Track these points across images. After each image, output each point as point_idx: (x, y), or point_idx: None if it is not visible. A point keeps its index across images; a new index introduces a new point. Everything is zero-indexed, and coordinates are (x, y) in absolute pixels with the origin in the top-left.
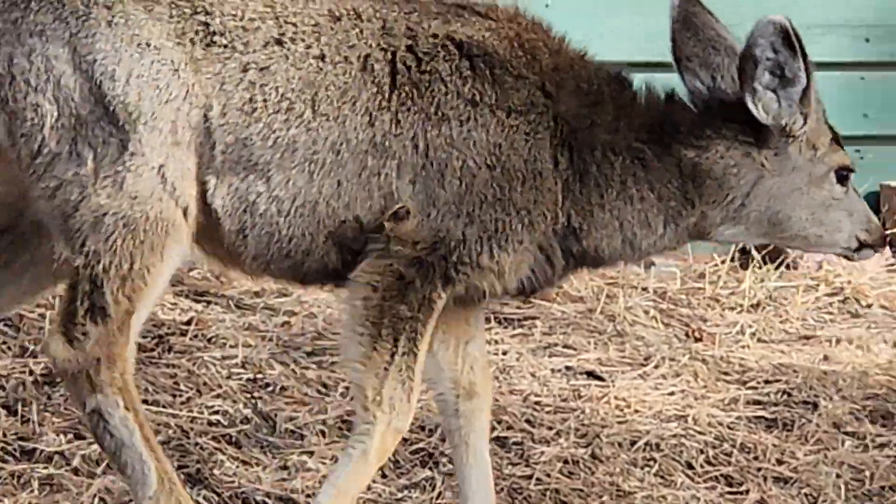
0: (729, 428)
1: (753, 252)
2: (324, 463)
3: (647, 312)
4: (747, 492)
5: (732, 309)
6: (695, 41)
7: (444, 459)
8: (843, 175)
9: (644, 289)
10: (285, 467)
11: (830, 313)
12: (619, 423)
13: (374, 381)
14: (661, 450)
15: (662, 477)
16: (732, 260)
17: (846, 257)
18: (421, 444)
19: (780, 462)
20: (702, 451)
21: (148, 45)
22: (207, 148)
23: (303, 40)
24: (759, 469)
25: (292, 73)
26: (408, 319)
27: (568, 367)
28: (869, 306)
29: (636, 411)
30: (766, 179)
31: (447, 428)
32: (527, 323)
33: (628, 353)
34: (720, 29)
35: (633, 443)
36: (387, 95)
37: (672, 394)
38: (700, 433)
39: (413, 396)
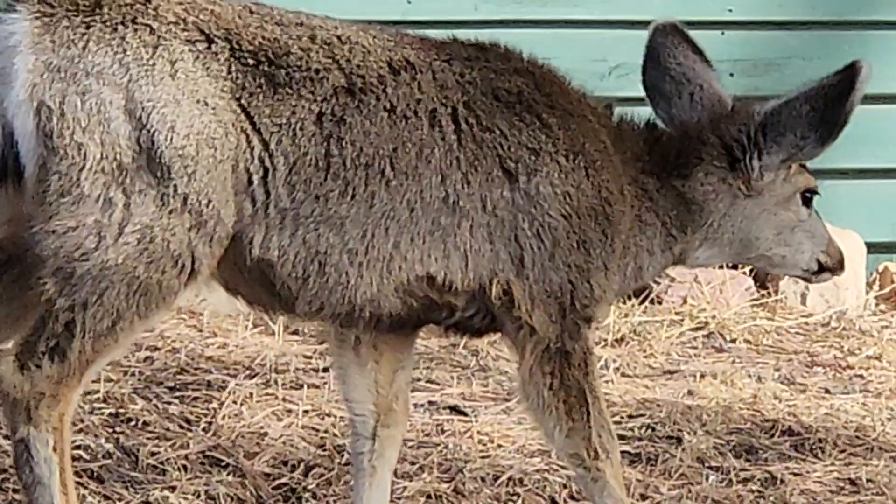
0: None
1: None
2: (186, 498)
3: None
4: None
5: (597, 343)
6: (664, 73)
7: (307, 495)
8: (807, 197)
9: None
10: (147, 502)
11: (695, 348)
12: (483, 457)
13: (584, 443)
14: (524, 484)
15: None
16: None
17: (805, 279)
18: (283, 480)
19: (643, 497)
20: (565, 486)
21: (206, 103)
22: (260, 203)
23: (372, 91)
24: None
25: (367, 126)
26: (582, 377)
27: (431, 402)
28: (733, 341)
29: (499, 446)
30: (740, 201)
31: (357, 450)
32: None
33: (492, 388)
34: (691, 60)
35: (496, 477)
36: (456, 153)
37: (535, 428)
38: (563, 468)
39: (611, 426)
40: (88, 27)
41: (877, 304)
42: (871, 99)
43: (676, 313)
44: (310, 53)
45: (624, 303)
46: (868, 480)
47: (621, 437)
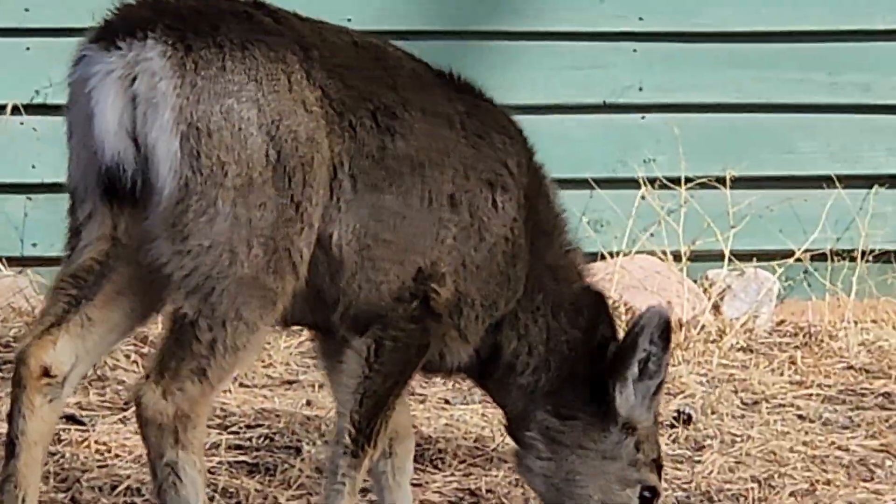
0: (210, 473)
1: None
2: None
3: (127, 357)
4: None
5: None
6: None
7: None
8: (646, 497)
9: None
10: None
11: (313, 358)
12: (100, 467)
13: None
14: (141, 494)
15: None
16: None
17: None
18: None
19: None
20: None
21: (311, 111)
22: (333, 198)
23: (409, 92)
24: None
25: (409, 122)
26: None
27: None
28: None
29: (117, 455)
30: (589, 453)
31: (379, 469)
32: None
33: (109, 398)
34: None
35: (113, 487)
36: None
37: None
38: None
39: None
40: (221, 47)
41: None
42: None
43: (296, 324)
44: (364, 59)
45: None
46: (488, 491)
47: (239, 448)
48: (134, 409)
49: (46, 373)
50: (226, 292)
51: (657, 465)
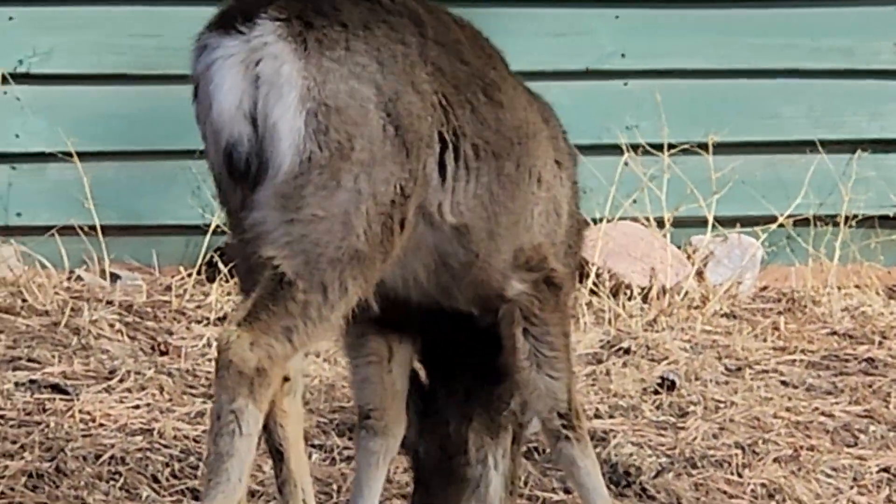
0: (195, 441)
1: (220, 265)
2: None
3: (112, 326)
4: None
5: (199, 322)
6: None
7: None
8: None
9: (109, 302)
10: None
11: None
12: (84, 436)
13: None
14: (126, 463)
15: (128, 490)
16: (199, 273)
17: None
18: None
19: None
20: (167, 465)
21: (420, 91)
22: (450, 166)
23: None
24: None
25: (511, 95)
26: None
27: (32, 381)
28: None
29: (101, 425)
30: None
31: (371, 448)
32: None
33: (93, 367)
34: None
35: (98, 456)
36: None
37: (138, 407)
38: (166, 447)
39: None
40: (345, 27)
41: None
42: None
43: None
44: (467, 37)
45: (226, 281)
46: None
47: None
48: (217, 349)
49: (285, 378)
50: (335, 262)
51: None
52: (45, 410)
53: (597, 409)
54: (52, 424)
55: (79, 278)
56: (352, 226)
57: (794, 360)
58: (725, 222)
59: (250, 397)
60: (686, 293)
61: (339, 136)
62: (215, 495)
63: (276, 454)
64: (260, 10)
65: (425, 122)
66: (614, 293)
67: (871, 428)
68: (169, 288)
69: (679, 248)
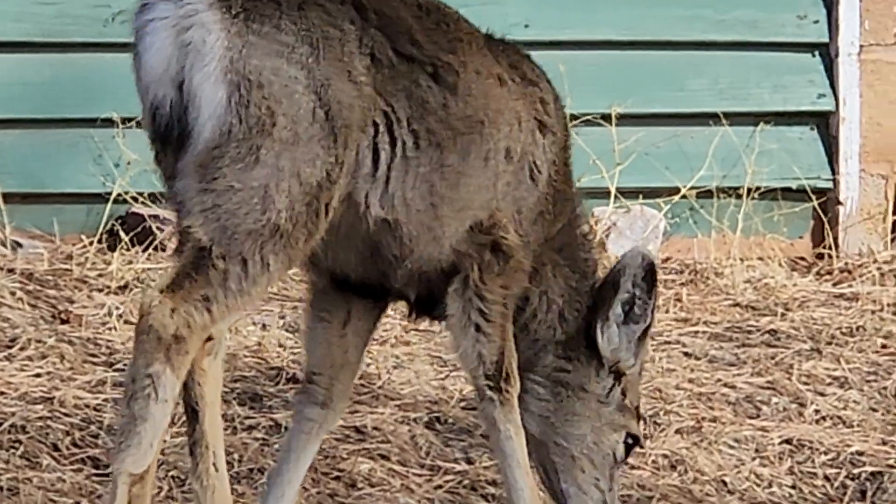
0: (96, 410)
1: (122, 234)
2: None
3: (13, 294)
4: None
5: (100, 291)
6: None
7: None
8: (629, 444)
9: (10, 270)
10: None
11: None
12: None
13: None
14: (26, 432)
15: (28, 459)
16: (101, 241)
17: None
18: None
19: None
20: (68, 433)
21: (357, 82)
22: (384, 156)
23: (466, 52)
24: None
25: (468, 81)
26: None
27: None
28: None
29: (1, 393)
30: (587, 395)
31: (306, 415)
32: None
33: None
34: None
35: None
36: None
37: (38, 375)
38: (66, 415)
39: None
40: (279, 5)
41: None
42: None
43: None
44: (426, 21)
45: (128, 249)
46: (374, 428)
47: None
48: (138, 313)
49: (208, 337)
50: (253, 234)
51: (638, 414)
52: None
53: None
54: None
55: None
56: (272, 201)
57: (697, 332)
58: (628, 194)
59: (167, 363)
60: None
61: (261, 111)
62: (125, 458)
63: (191, 413)
64: None
65: (357, 112)
66: None
67: (774, 399)
68: (70, 256)
69: None
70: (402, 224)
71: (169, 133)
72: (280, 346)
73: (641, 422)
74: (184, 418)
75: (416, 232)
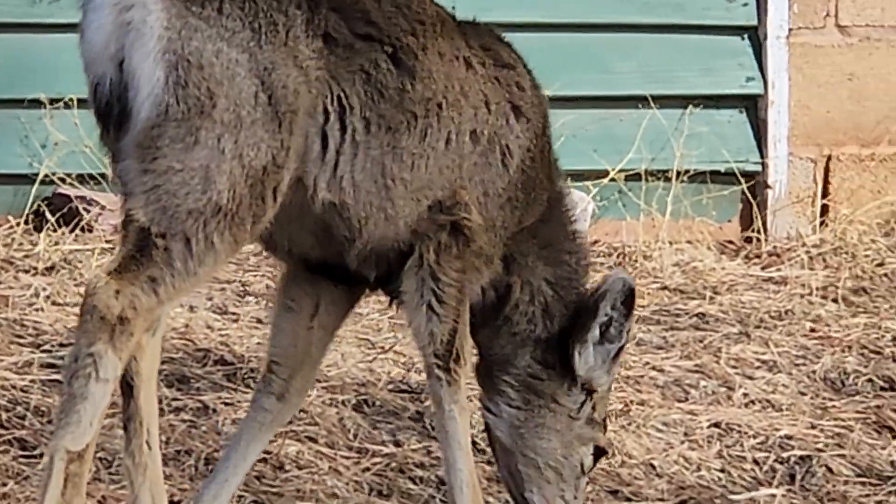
0: (23, 391)
1: (48, 214)
2: None
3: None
4: (41, 455)
5: (27, 272)
6: None
7: None
8: (597, 456)
9: None
10: None
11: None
12: None
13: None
14: None
15: None
16: (27, 222)
17: None
18: None
19: None
20: None
21: (303, 67)
22: (334, 141)
23: (428, 37)
24: (52, 432)
25: (427, 64)
26: None
27: None
28: None
29: None
30: (559, 407)
31: (261, 405)
32: None
33: None
34: None
35: None
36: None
37: None
38: None
39: None
40: None
41: None
42: None
43: (107, 241)
44: (386, 3)
45: (55, 230)
46: (301, 411)
47: (52, 367)
48: (84, 293)
49: None
50: (195, 213)
51: (605, 425)
52: None
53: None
54: None
55: None
56: (213, 182)
57: None
58: None
59: (110, 343)
60: None
61: (199, 92)
62: (64, 435)
63: (126, 388)
64: None
65: (305, 97)
66: None
67: (702, 383)
68: None
69: None
70: (350, 206)
71: (109, 111)
72: (208, 327)
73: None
74: (112, 399)
75: (364, 213)
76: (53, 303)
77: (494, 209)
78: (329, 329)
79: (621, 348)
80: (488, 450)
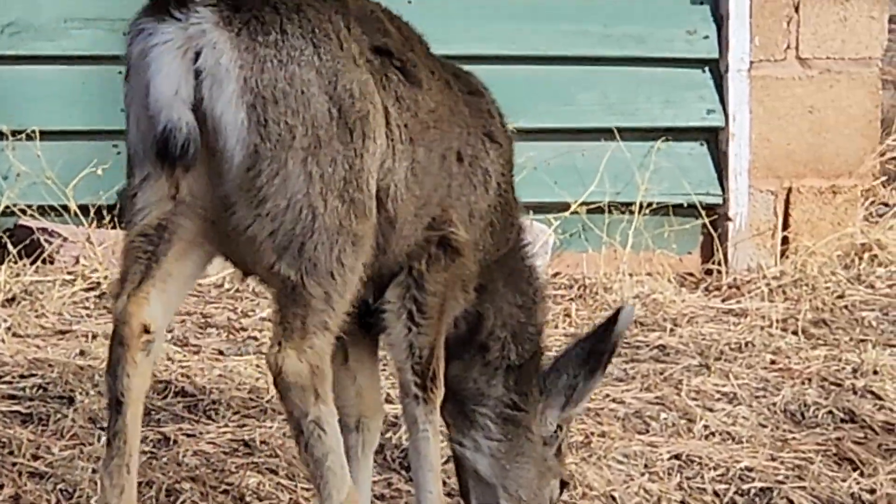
0: None
1: (9, 246)
2: None
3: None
4: (2, 486)
5: None
6: None
7: None
8: (563, 486)
9: None
10: None
11: (87, 308)
12: None
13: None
14: None
15: None
16: None
17: None
18: None
19: (35, 457)
20: None
21: (362, 69)
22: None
23: (424, 61)
24: (14, 464)
25: (427, 83)
26: None
27: None
28: None
29: None
30: (535, 437)
31: (348, 443)
32: None
33: None
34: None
35: None
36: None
37: None
38: None
39: None
40: (277, 11)
41: None
42: None
43: (69, 273)
44: (380, 19)
45: (15, 262)
46: (262, 442)
47: (13, 398)
48: (274, 379)
49: (146, 330)
50: (321, 245)
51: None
52: None
53: (387, 395)
54: None
55: None
56: (315, 207)
57: None
58: None
59: (319, 402)
60: None
61: (280, 126)
62: (330, 492)
63: (116, 404)
64: None
65: (367, 99)
66: None
67: (663, 415)
68: None
69: None
70: (392, 215)
71: (185, 153)
72: (169, 359)
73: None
74: (73, 431)
75: (399, 223)
76: (14, 334)
77: (477, 231)
78: (366, 355)
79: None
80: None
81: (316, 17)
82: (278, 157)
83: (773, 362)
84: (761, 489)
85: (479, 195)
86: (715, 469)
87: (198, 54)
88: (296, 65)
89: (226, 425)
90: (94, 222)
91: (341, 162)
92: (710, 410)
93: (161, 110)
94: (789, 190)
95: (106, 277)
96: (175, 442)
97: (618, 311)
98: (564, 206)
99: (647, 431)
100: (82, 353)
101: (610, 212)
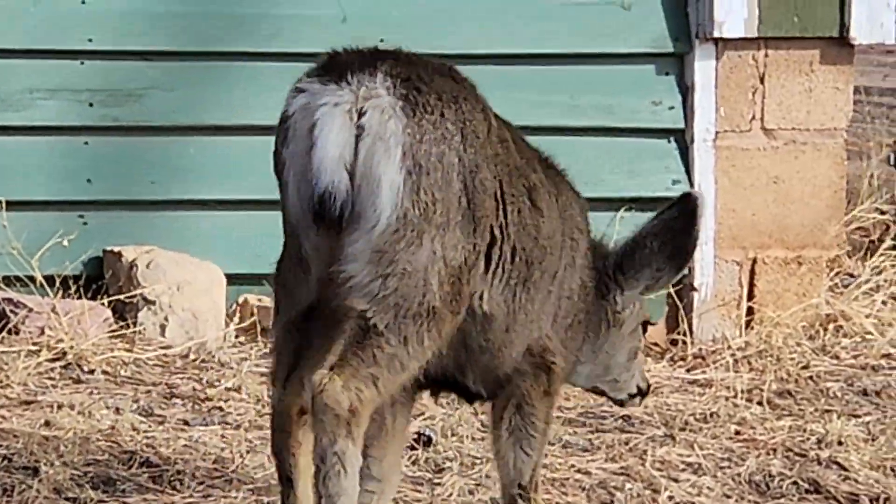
0: None
1: None
2: None
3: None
4: None
5: None
6: None
7: None
8: (645, 327)
9: None
10: None
11: (52, 378)
12: None
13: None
14: None
15: None
16: None
17: (619, 404)
18: None
19: None
20: None
21: (491, 170)
22: (494, 260)
23: (543, 181)
24: None
25: (547, 204)
26: None
27: None
28: (91, 372)
29: None
30: (606, 330)
31: (368, 490)
32: None
33: None
34: None
35: None
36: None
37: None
38: None
39: None
40: (440, 96)
41: (236, 336)
42: (231, 130)
43: (34, 343)
44: (510, 134)
45: None
46: None
47: None
48: (311, 393)
49: (303, 411)
50: (416, 316)
51: None
52: None
53: None
54: None
55: None
56: (430, 283)
57: None
58: None
59: (349, 437)
60: None
61: (427, 196)
62: None
63: (287, 482)
64: (373, 63)
65: (490, 203)
66: None
67: (627, 485)
68: None
69: None
70: (494, 321)
71: (340, 217)
72: (134, 429)
73: None
74: (38, 502)
75: (501, 330)
76: None
77: (561, 335)
78: (405, 407)
79: None
80: None
81: (470, 112)
82: (420, 227)
83: (737, 433)
84: None
85: (566, 309)
86: None
87: (360, 115)
88: (446, 146)
89: (191, 496)
90: (60, 293)
91: (461, 250)
92: (675, 481)
93: (323, 173)
94: (754, 260)
95: (72, 347)
96: None
97: (686, 198)
98: None
99: (612, 502)
100: (47, 423)
101: None
